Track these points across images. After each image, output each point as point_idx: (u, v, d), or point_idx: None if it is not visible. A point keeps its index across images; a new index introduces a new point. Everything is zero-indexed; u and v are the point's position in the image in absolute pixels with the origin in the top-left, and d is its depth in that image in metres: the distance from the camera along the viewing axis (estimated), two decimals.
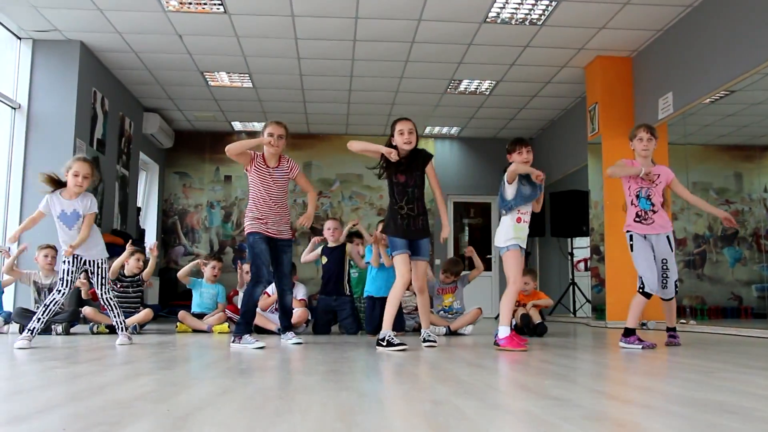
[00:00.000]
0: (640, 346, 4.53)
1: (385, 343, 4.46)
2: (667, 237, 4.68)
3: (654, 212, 4.68)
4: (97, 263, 4.87)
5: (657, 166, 4.79)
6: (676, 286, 4.71)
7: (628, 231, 4.74)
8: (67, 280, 4.72)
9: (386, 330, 4.56)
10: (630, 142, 4.83)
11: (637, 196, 4.72)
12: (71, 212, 4.73)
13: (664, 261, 4.66)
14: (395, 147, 4.72)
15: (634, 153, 4.83)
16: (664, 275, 4.65)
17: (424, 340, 4.70)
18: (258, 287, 4.87)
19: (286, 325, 5.14)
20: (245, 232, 5.00)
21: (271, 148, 4.95)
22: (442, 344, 5.02)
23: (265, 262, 4.88)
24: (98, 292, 4.94)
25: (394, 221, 4.73)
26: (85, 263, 4.83)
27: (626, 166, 4.72)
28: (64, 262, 4.75)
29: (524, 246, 4.68)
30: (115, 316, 5.00)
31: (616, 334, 6.42)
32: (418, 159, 4.80)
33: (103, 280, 4.92)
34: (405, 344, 4.45)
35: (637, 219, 4.71)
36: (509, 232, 4.60)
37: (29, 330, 4.59)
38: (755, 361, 3.82)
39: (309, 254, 6.91)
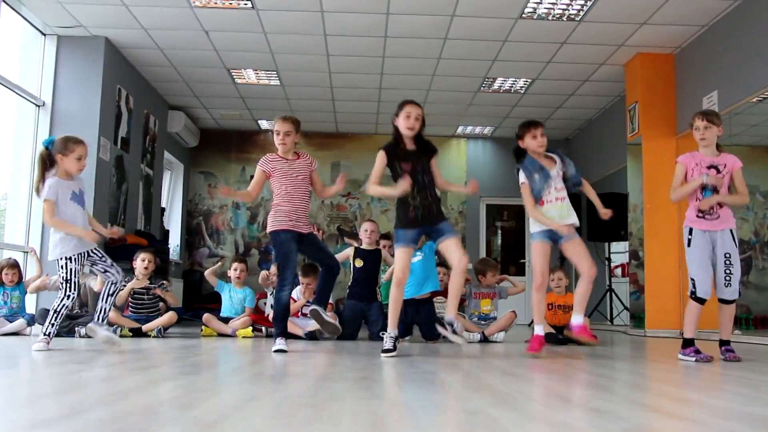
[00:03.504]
0: (694, 359, 4.20)
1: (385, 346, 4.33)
2: (731, 231, 4.29)
3: (720, 206, 4.28)
4: (93, 248, 4.65)
5: (723, 154, 4.38)
6: (739, 287, 4.28)
7: (688, 226, 4.36)
8: (75, 282, 4.54)
9: (390, 329, 4.39)
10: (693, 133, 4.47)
11: (703, 189, 4.31)
12: (79, 191, 4.61)
13: (728, 255, 4.23)
14: (396, 129, 4.48)
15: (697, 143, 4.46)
16: (728, 270, 4.22)
17: (448, 325, 4.36)
18: (284, 290, 4.64)
19: (319, 298, 4.91)
20: (269, 231, 4.76)
21: (280, 146, 4.77)
22: (475, 353, 4.90)
23: (293, 263, 4.66)
24: (111, 270, 4.67)
25: (404, 213, 4.44)
26: (85, 256, 4.63)
27: (683, 186, 4.39)
28: (70, 259, 4.53)
29: (560, 221, 4.44)
30: (109, 293, 4.69)
31: (655, 343, 6.33)
32: (423, 148, 4.54)
33: (105, 258, 4.68)
34: (393, 351, 4.26)
35: (700, 215, 4.32)
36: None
37: (45, 333, 4.50)
38: None
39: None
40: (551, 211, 4.49)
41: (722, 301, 4.32)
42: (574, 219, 4.52)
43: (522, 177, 4.60)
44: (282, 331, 4.65)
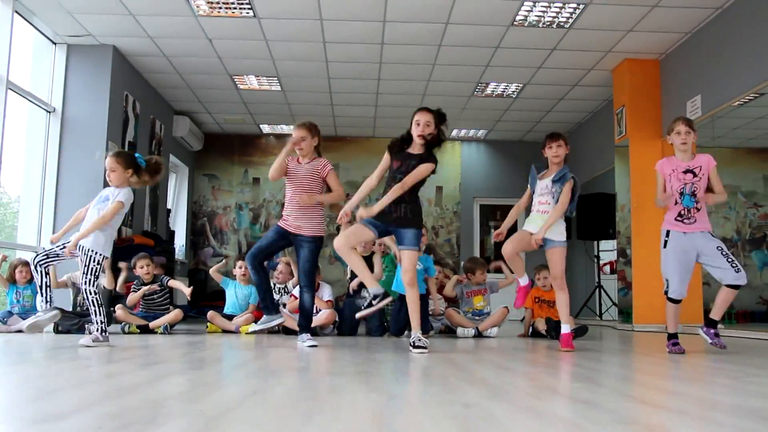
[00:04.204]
0: (668, 350, 4.48)
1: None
2: (709, 232, 4.41)
3: (698, 210, 4.42)
4: (85, 250, 4.61)
5: (697, 156, 4.51)
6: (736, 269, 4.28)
7: (665, 228, 4.51)
8: (46, 255, 4.74)
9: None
10: (668, 137, 4.61)
11: (681, 194, 4.44)
12: (104, 196, 4.76)
13: (719, 248, 4.32)
14: (411, 137, 4.62)
15: (672, 148, 4.59)
16: (729, 259, 4.29)
17: (414, 346, 4.30)
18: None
19: (303, 325, 4.93)
20: None
21: (298, 151, 4.95)
22: (470, 347, 4.99)
23: (259, 243, 4.99)
24: (81, 280, 4.68)
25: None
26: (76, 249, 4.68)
27: (666, 196, 4.55)
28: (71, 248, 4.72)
29: (534, 230, 4.71)
30: (92, 314, 4.69)
31: (642, 338, 6.50)
32: (422, 154, 4.59)
33: (87, 270, 4.60)
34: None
35: (678, 218, 4.46)
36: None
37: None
38: None
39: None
40: (535, 219, 4.78)
41: (731, 286, 4.33)
42: (543, 233, 4.67)
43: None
44: (268, 309, 4.97)
